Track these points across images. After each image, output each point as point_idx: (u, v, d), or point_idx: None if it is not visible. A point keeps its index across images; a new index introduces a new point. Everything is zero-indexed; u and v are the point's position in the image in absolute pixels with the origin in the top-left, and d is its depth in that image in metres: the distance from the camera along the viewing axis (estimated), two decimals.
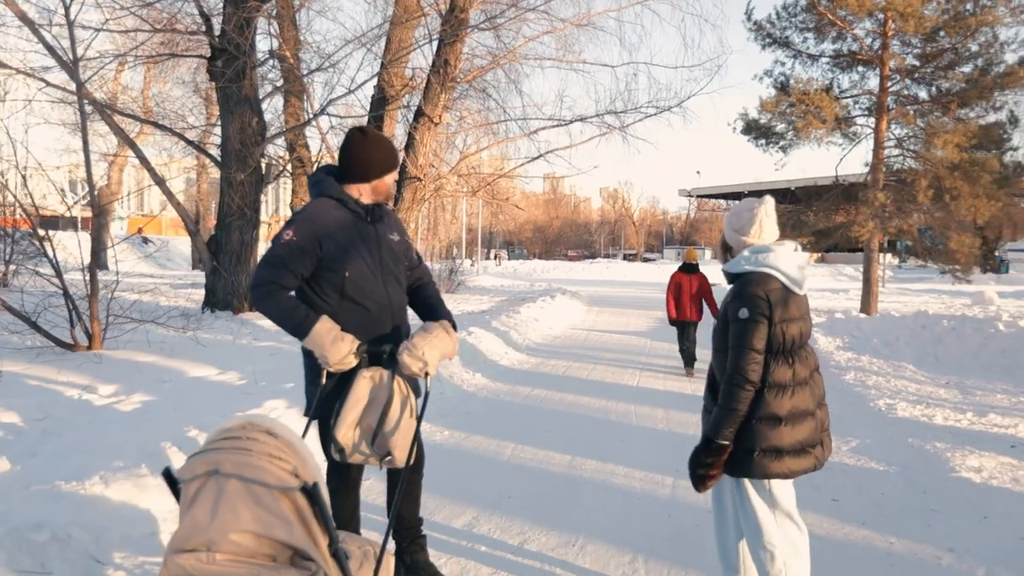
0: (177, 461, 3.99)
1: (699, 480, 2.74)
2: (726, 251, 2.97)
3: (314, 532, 1.86)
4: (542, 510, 4.22)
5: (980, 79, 15.42)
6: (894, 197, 16.36)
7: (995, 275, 34.90)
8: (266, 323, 11.76)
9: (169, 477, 1.94)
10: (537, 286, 27.01)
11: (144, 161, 13.03)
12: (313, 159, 18.75)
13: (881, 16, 16.18)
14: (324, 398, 2.78)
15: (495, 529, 3.92)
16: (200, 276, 22.76)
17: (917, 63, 16.60)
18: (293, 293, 2.87)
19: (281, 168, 17.07)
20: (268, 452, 1.82)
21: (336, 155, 18.84)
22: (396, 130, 19.12)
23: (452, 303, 17.38)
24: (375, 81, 15.28)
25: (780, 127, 17.67)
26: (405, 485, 2.92)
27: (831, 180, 18.35)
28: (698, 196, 72.43)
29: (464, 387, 7.86)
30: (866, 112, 17.56)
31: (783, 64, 18.35)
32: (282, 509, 1.82)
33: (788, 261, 2.76)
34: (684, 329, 9.43)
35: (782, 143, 18.23)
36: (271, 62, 15.18)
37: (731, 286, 2.84)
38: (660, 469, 5.02)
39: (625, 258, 78.21)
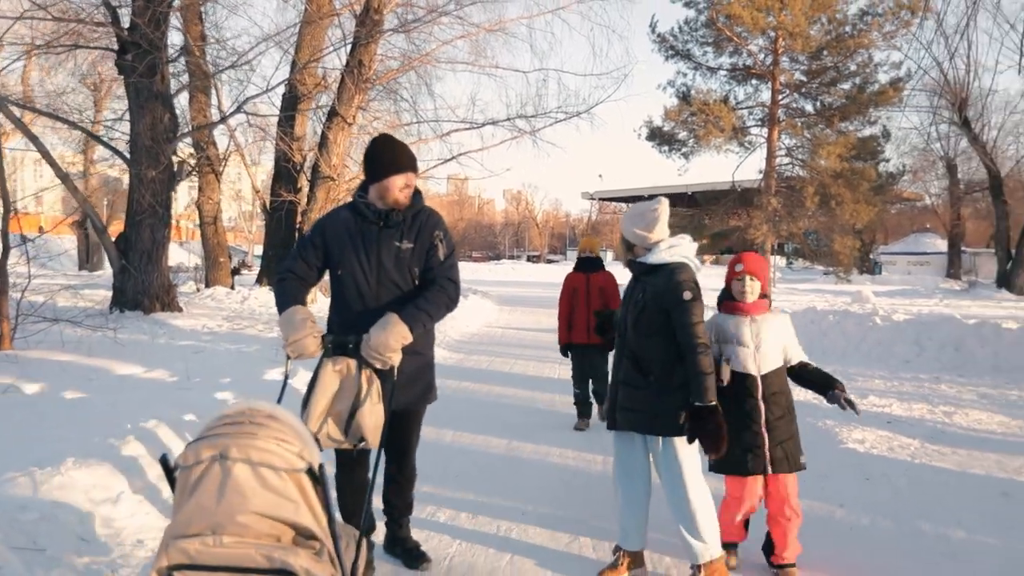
0: (135, 448, 4.11)
1: (719, 440, 2.97)
2: (629, 248, 3.33)
3: (317, 512, 1.93)
4: (489, 486, 4.60)
5: (858, 96, 16.93)
6: (785, 202, 17.70)
7: (870, 276, 37.73)
8: (180, 322, 11.58)
9: (166, 464, 1.95)
10: None
11: (47, 156, 12.53)
12: (221, 156, 18.41)
13: (773, 34, 17.47)
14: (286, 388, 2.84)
15: (449, 501, 4.28)
16: (91, 277, 21.81)
17: (804, 79, 18.03)
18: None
19: (193, 166, 16.69)
20: (274, 436, 1.87)
21: (243, 152, 18.41)
22: (308, 129, 19.03)
23: None
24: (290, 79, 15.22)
25: (682, 135, 18.75)
26: (396, 473, 3.30)
27: (728, 185, 19.61)
28: (600, 199, 74.36)
29: None
30: (760, 123, 18.89)
31: (685, 75, 19.49)
32: (289, 490, 1.87)
33: (692, 252, 3.25)
34: (584, 358, 6.27)
35: (684, 150, 19.33)
36: (184, 58, 14.86)
37: (644, 277, 3.23)
38: (591, 450, 5.48)
39: (529, 259, 79.25)
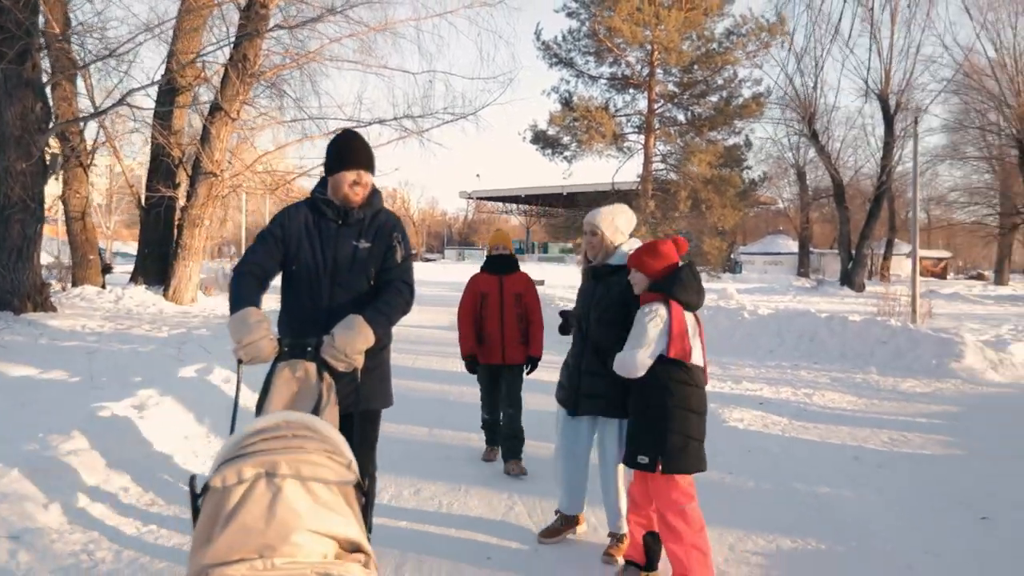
0: (74, 444, 4.15)
1: None
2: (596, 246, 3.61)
3: (362, 524, 1.88)
4: (424, 468, 4.97)
5: (725, 108, 18.41)
6: (660, 205, 18.95)
7: (732, 274, 40.59)
8: (57, 323, 11.05)
9: (193, 487, 1.86)
10: None
11: None
12: (88, 148, 17.43)
13: (649, 47, 18.64)
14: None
15: (390, 483, 4.60)
16: None
17: (677, 90, 19.37)
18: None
19: (65, 159, 15.76)
20: (323, 448, 1.81)
21: (116, 145, 17.48)
22: (186, 123, 18.35)
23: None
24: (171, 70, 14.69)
25: (566, 139, 19.62)
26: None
27: (601, 187, 20.73)
28: (478, 198, 75.06)
29: None
30: (637, 130, 20.10)
31: (568, 82, 20.39)
32: (340, 504, 1.82)
33: None
34: (497, 381, 5.14)
35: (566, 153, 20.21)
36: (46, 42, 14.00)
37: (608, 276, 3.55)
38: None
39: None
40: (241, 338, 2.53)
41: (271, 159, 19.84)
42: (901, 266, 42.57)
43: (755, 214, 45.67)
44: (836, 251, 28.55)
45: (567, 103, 19.59)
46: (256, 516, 1.72)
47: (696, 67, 18.46)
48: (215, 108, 14.22)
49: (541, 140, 19.99)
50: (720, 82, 18.80)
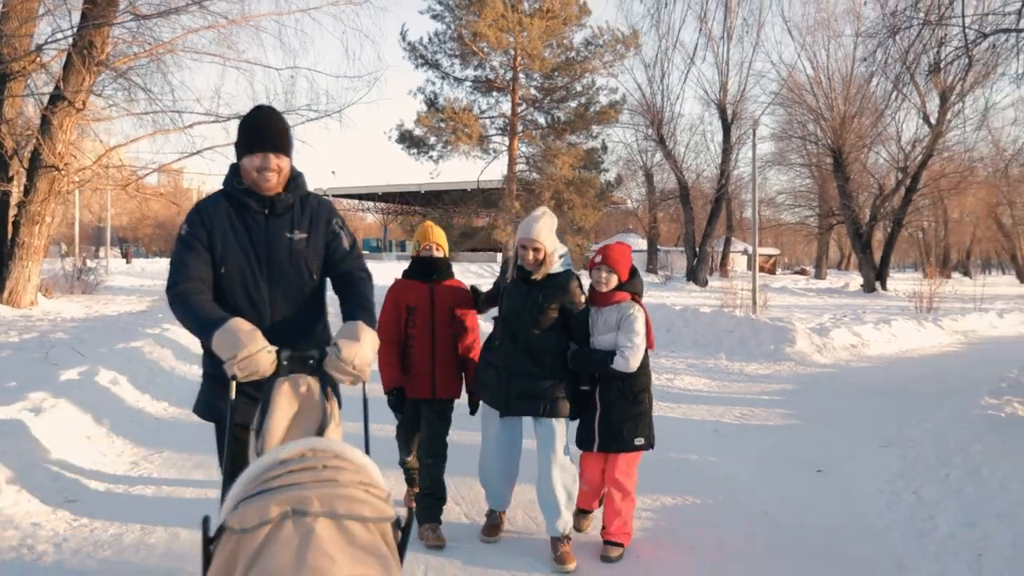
0: None
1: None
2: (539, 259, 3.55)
3: (400, 569, 1.64)
4: None
5: (584, 113, 19.49)
6: (525, 205, 19.74)
7: (587, 270, 42.41)
8: None
9: (206, 531, 1.68)
10: None
11: None
12: None
13: (513, 52, 19.37)
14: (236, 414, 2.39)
15: None
16: None
17: (539, 95, 20.24)
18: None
19: None
20: (358, 480, 1.54)
21: None
22: (20, 111, 16.94)
23: (98, 306, 16.23)
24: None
25: (432, 139, 19.98)
26: None
27: (460, 186, 21.31)
28: (334, 195, 73.52)
29: (181, 380, 8.09)
30: (501, 131, 20.79)
31: (434, 83, 20.75)
32: (378, 544, 1.57)
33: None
34: (421, 417, 3.95)
35: (432, 154, 20.57)
36: None
37: (544, 281, 3.54)
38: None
39: None
40: (236, 352, 2.23)
41: (120, 153, 18.73)
42: (737, 262, 46.36)
43: (607, 213, 48.10)
44: (681, 248, 30.74)
45: (432, 104, 19.97)
46: (283, 563, 1.42)
47: (557, 74, 19.44)
48: (56, 97, 13.28)
49: (407, 140, 20.23)
50: (579, 89, 19.96)
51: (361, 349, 2.36)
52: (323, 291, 2.80)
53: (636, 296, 3.71)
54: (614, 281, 3.64)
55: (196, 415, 2.76)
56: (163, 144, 18.30)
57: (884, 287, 27.51)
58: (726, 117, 27.85)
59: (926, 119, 27.22)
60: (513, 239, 3.86)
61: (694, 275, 27.27)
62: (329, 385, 2.41)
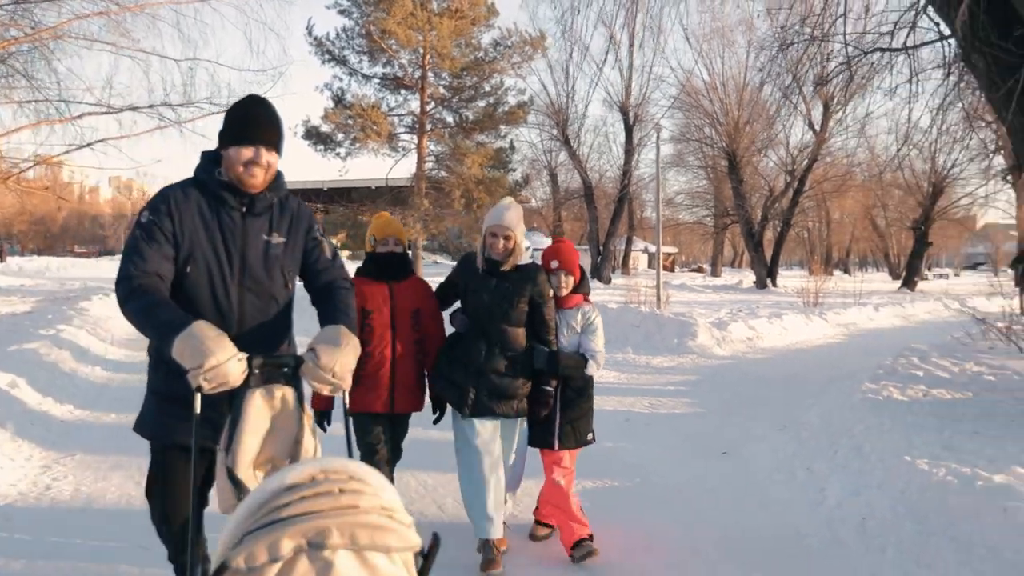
0: None
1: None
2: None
3: None
4: None
5: (493, 113, 19.75)
6: (434, 203, 19.83)
7: None
8: None
9: (206, 567, 1.52)
10: (70, 285, 24.27)
11: None
12: None
13: (421, 51, 19.40)
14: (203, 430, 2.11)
15: None
16: None
17: (448, 94, 20.35)
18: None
19: None
20: (380, 505, 1.34)
21: None
22: None
23: None
24: None
25: (340, 136, 19.73)
26: None
27: (381, 182, 21.19)
28: None
29: (91, 382, 7.80)
30: (410, 129, 20.77)
31: (341, 80, 20.48)
32: None
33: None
34: (377, 433, 3.48)
35: (339, 151, 20.32)
36: None
37: (512, 274, 3.43)
38: None
39: None
40: (202, 361, 1.97)
41: None
42: (639, 260, 47.90)
43: None
44: (586, 247, 31.57)
45: (340, 100, 19.75)
46: None
47: (466, 73, 19.64)
48: None
49: (314, 136, 19.90)
50: (488, 89, 20.23)
51: (342, 355, 2.18)
52: (292, 301, 2.58)
53: (587, 297, 3.75)
54: (572, 283, 3.63)
55: (138, 434, 2.46)
56: (48, 135, 17.29)
57: (774, 283, 29.19)
58: (628, 120, 28.81)
59: (811, 126, 29.07)
60: (422, 236, 3.99)
61: (598, 272, 28.08)
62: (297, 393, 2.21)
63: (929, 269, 50.12)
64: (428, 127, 20.18)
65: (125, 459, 4.87)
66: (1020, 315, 10.67)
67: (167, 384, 2.35)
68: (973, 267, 68.24)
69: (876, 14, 11.27)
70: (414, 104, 20.59)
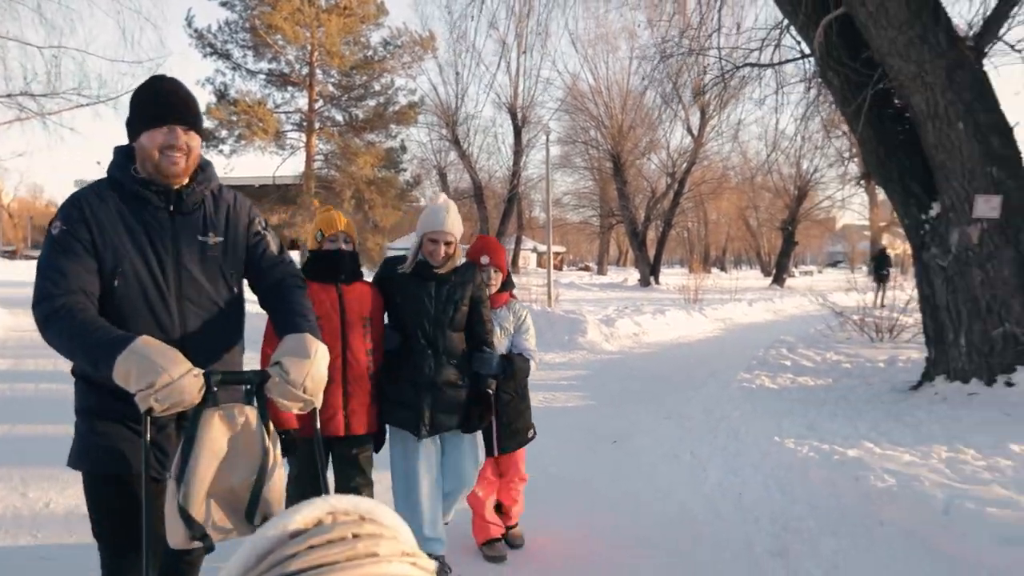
0: None
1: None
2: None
3: None
4: None
5: (383, 113, 19.65)
6: (324, 202, 19.48)
7: None
8: None
9: None
10: None
11: None
12: None
13: (309, 48, 19.04)
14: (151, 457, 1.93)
15: None
16: None
17: (337, 92, 20.06)
18: None
19: None
20: (401, 550, 1.07)
21: None
22: None
23: None
24: None
25: (224, 133, 19.05)
26: None
27: (268, 180, 20.59)
28: None
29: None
30: (297, 127, 20.32)
31: (224, 74, 19.78)
32: None
33: None
34: (313, 463, 2.31)
35: (223, 147, 19.61)
36: None
37: (452, 276, 3.18)
38: None
39: (4, 255, 66.97)
40: (153, 379, 1.74)
41: None
42: (528, 260, 48.73)
43: (403, 212, 48.42)
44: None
45: (223, 96, 19.07)
46: None
47: (356, 72, 19.44)
48: None
49: None
50: (378, 88, 20.09)
51: (313, 367, 1.95)
52: (242, 307, 2.28)
53: (512, 293, 3.64)
54: (499, 280, 3.48)
55: (73, 468, 2.08)
56: None
57: (657, 281, 30.53)
58: (517, 121, 29.33)
59: (690, 131, 30.61)
60: (312, 238, 3.08)
61: None
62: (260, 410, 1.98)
63: (796, 267, 53.79)
64: (317, 125, 19.83)
65: (34, 471, 4.70)
66: (872, 309, 11.78)
67: (102, 403, 2.04)
68: (834, 264, 73.63)
69: (747, 30, 12.14)
70: (302, 101, 20.19)
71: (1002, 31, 6.45)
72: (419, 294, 3.15)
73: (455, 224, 3.14)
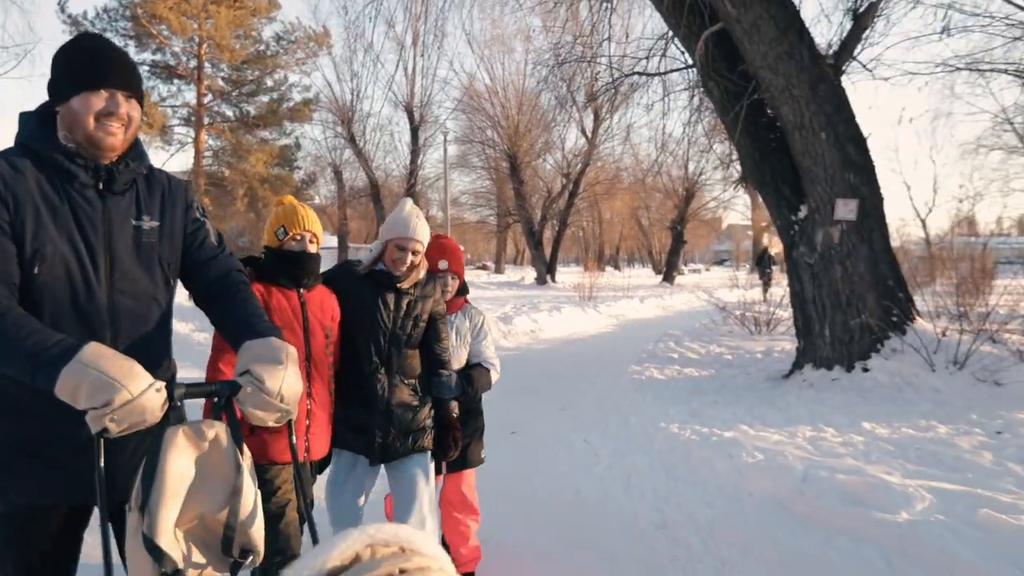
0: None
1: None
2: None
3: None
4: None
5: (277, 109, 19.22)
6: (216, 200, 18.88)
7: None
8: None
9: None
10: None
11: None
12: None
13: (197, 40, 18.37)
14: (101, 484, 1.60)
15: None
16: None
17: (228, 87, 19.44)
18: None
19: None
20: None
21: None
22: None
23: None
24: None
25: None
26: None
27: None
28: None
29: None
30: (185, 122, 19.56)
31: None
32: None
33: None
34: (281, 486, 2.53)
35: None
36: None
37: (411, 288, 2.82)
38: None
39: None
40: (110, 396, 1.47)
41: None
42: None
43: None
44: (370, 245, 31.49)
45: None
46: None
47: (247, 66, 18.89)
48: None
49: None
50: (271, 84, 19.61)
51: (288, 375, 1.72)
52: (172, 305, 1.99)
53: (466, 298, 3.36)
54: (456, 286, 3.21)
55: None
56: None
57: (554, 279, 31.20)
58: (413, 119, 29.26)
59: (584, 133, 31.44)
60: (270, 234, 2.63)
61: None
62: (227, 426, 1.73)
63: (685, 265, 56.18)
64: (206, 120, 19.15)
65: None
66: (753, 304, 12.60)
67: (22, 429, 1.74)
68: (720, 263, 77.29)
69: (635, 39, 12.73)
70: (190, 96, 19.47)
71: (856, 51, 7.14)
72: (374, 306, 2.77)
73: (425, 232, 2.81)
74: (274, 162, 18.84)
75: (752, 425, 5.14)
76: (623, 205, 43.35)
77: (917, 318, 7.05)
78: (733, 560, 3.32)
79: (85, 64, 1.72)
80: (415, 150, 29.84)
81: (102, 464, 1.56)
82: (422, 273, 2.86)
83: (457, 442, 2.95)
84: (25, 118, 1.80)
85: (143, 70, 19.14)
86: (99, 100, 1.70)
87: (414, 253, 2.76)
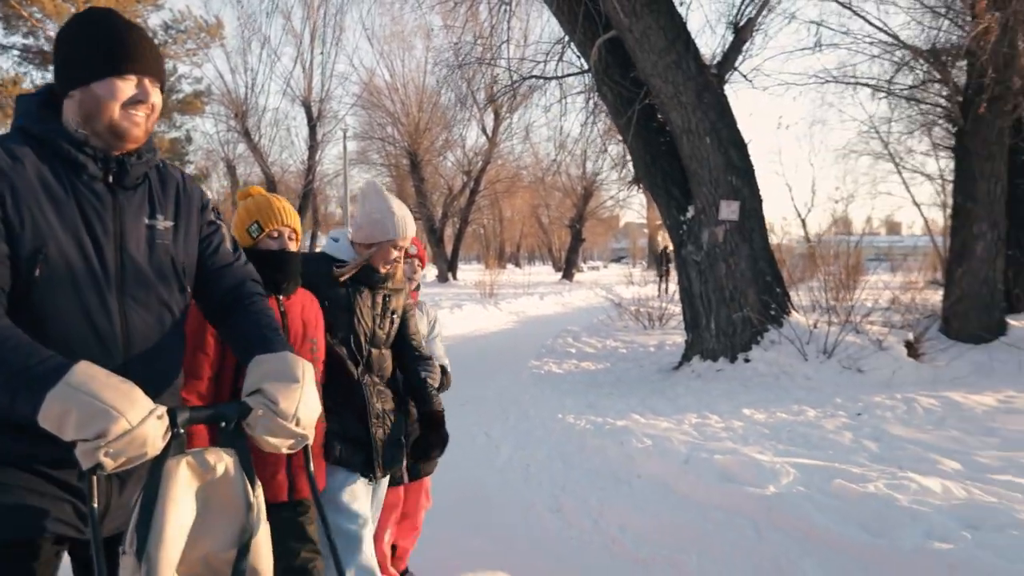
0: None
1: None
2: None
3: None
4: None
5: (166, 101, 18.35)
6: None
7: None
8: None
9: None
10: None
11: None
12: None
13: None
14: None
15: None
16: None
17: None
18: None
19: None
20: None
21: None
22: None
23: None
24: None
25: None
26: None
27: None
28: None
29: None
30: None
31: None
32: None
33: None
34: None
35: None
36: None
37: (386, 284, 2.61)
38: None
39: None
40: (105, 426, 1.25)
41: None
42: None
43: None
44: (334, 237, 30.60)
45: None
46: None
47: None
48: None
49: None
50: None
51: (305, 395, 1.52)
52: (185, 317, 1.73)
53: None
54: (420, 272, 3.02)
55: None
56: None
57: (455, 277, 31.32)
58: (311, 114, 28.63)
59: (484, 132, 31.65)
60: (242, 230, 2.27)
61: None
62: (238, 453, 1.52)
63: (584, 262, 57.52)
64: None
65: None
66: (647, 300, 13.14)
67: (18, 446, 1.46)
68: (618, 260, 79.50)
69: (533, 43, 13.01)
70: None
71: (738, 62, 7.63)
72: (353, 304, 2.53)
73: (413, 229, 2.61)
74: (164, 155, 18.02)
75: (643, 414, 5.44)
76: (523, 203, 43.91)
77: (792, 312, 7.61)
78: (619, 537, 3.57)
79: (112, 46, 1.50)
80: (313, 146, 29.24)
81: (95, 502, 1.32)
82: (400, 269, 2.66)
83: (444, 441, 2.75)
84: (25, 101, 1.60)
85: (13, 55, 17.97)
86: (128, 87, 1.50)
87: (404, 254, 2.64)
